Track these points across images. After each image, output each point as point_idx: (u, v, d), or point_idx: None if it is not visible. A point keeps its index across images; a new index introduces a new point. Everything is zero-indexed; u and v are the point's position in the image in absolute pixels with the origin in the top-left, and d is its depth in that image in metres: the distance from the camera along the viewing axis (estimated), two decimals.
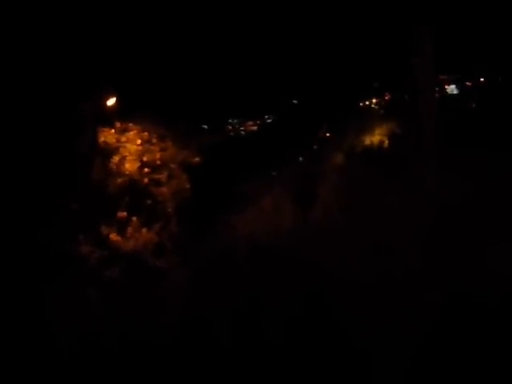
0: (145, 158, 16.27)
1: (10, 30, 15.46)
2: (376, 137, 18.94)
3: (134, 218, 15.61)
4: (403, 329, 12.90)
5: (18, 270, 13.91)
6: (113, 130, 16.38)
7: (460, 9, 18.65)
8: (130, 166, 16.03)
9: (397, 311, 13.31)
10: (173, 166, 16.47)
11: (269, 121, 20.39)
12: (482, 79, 20.88)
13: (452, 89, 20.80)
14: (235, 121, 19.99)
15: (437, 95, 19.45)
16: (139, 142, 16.42)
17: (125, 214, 15.60)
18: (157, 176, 16.25)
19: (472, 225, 14.56)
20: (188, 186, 16.40)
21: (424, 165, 17.12)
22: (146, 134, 16.54)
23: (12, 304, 13.55)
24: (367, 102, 20.82)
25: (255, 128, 20.10)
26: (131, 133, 16.47)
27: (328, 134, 19.70)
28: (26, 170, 14.94)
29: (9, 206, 14.50)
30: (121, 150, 16.21)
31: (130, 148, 16.26)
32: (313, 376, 12.76)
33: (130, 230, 15.48)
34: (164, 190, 16.17)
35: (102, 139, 16.16)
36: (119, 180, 15.88)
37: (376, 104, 20.81)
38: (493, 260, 13.74)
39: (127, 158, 16.14)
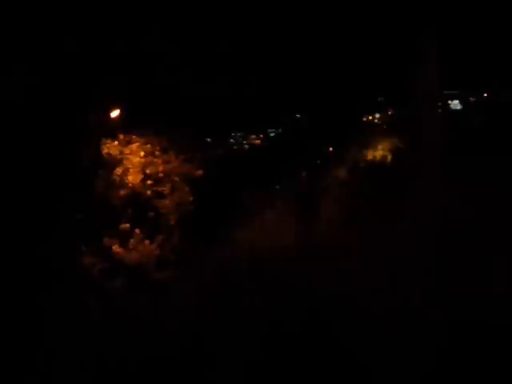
0: (148, 171, 16.23)
1: (14, 42, 15.53)
2: (379, 152, 18.98)
3: (137, 230, 15.56)
4: (408, 348, 12.77)
5: (20, 281, 13.87)
6: (116, 142, 16.35)
7: (464, 25, 18.70)
8: (133, 178, 15.98)
9: (401, 329, 13.18)
10: (176, 178, 16.44)
11: (272, 135, 20.45)
12: (485, 94, 20.94)
13: (455, 104, 20.85)
14: (238, 134, 20.05)
15: (440, 110, 19.48)
16: (142, 154, 16.37)
17: (127, 225, 15.56)
18: (160, 188, 16.22)
19: (475, 239, 14.50)
20: (191, 198, 16.40)
21: (427, 179, 17.12)
22: (149, 146, 16.52)
23: (12, 315, 13.49)
24: (371, 117, 20.87)
25: (258, 142, 20.16)
26: (134, 145, 16.43)
27: (331, 149, 19.74)
28: (30, 181, 14.94)
29: (12, 215, 14.49)
30: (124, 162, 16.16)
31: (133, 160, 16.21)
32: None
33: (132, 241, 15.43)
34: (167, 202, 16.14)
35: (105, 151, 16.14)
36: (122, 192, 15.84)
37: (379, 119, 20.86)
38: (499, 276, 13.65)
39: (130, 170, 16.08)
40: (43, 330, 13.30)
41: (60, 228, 14.85)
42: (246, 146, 19.97)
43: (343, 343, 13.00)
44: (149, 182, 16.16)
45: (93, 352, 12.96)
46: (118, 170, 16.04)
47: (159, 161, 16.49)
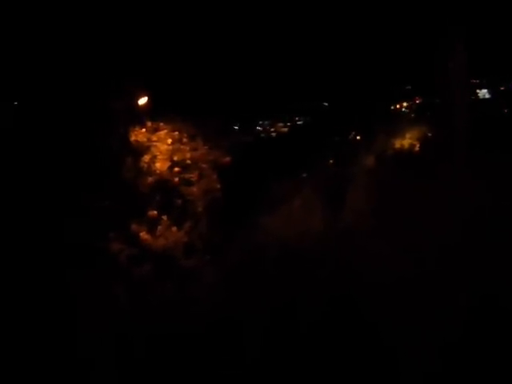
0: (175, 158, 16.28)
1: (47, 32, 15.69)
2: (407, 140, 18.83)
3: (164, 217, 15.66)
4: (433, 330, 12.81)
5: (51, 265, 14.01)
6: (144, 129, 16.41)
7: (493, 13, 18.52)
8: (160, 165, 16.06)
9: (426, 313, 13.21)
10: (203, 165, 16.45)
11: (299, 123, 20.31)
12: None
13: (484, 93, 20.55)
14: (266, 122, 19.91)
15: (468, 99, 19.26)
16: (170, 141, 16.43)
17: (155, 212, 15.64)
18: (187, 175, 16.25)
19: (501, 228, 14.47)
20: (218, 185, 16.39)
21: (455, 169, 16.97)
22: (176, 133, 16.56)
23: (43, 299, 13.64)
24: (398, 106, 20.69)
25: (286, 129, 20.03)
26: (162, 132, 16.49)
27: (358, 137, 19.62)
28: (61, 169, 15.07)
29: (43, 202, 14.63)
30: (152, 149, 16.24)
31: (161, 147, 16.28)
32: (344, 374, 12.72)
33: (160, 228, 15.52)
34: (194, 189, 16.17)
35: (133, 138, 16.22)
36: (150, 179, 15.92)
37: (407, 107, 20.68)
38: None
39: (158, 157, 16.16)
40: (74, 315, 13.45)
41: (89, 214, 14.95)
42: (274, 134, 19.86)
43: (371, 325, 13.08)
44: (176, 169, 16.21)
45: (121, 333, 13.10)
46: (146, 157, 16.12)
47: (187, 148, 16.51)
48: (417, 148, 18.60)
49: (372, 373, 12.83)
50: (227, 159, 16.67)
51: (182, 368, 13.68)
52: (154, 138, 16.38)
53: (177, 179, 16.11)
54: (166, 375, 13.63)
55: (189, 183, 16.21)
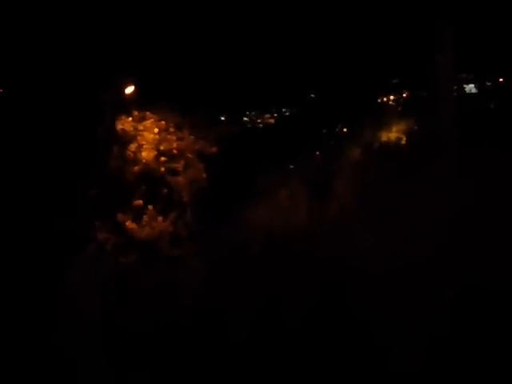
0: (161, 147, 16.23)
1: (33, 22, 15.65)
2: (393, 133, 18.89)
3: (150, 207, 15.62)
4: (419, 321, 12.85)
5: (37, 254, 13.98)
6: (130, 118, 16.34)
7: (481, 9, 18.57)
8: (146, 155, 16.02)
9: (412, 305, 13.26)
10: (189, 155, 16.41)
11: (286, 114, 20.30)
12: (500, 79, 20.74)
13: (470, 88, 20.61)
14: (253, 113, 19.88)
15: (455, 94, 19.33)
16: (156, 130, 16.37)
17: (141, 202, 15.61)
18: (173, 165, 16.22)
19: (488, 222, 14.51)
20: (204, 175, 16.36)
21: (442, 162, 17.03)
22: (163, 122, 16.50)
23: (29, 288, 13.63)
24: (385, 99, 20.71)
25: (272, 121, 20.00)
26: (148, 121, 16.43)
27: (345, 129, 19.64)
28: (47, 157, 15.05)
29: (29, 191, 14.61)
30: (138, 138, 16.20)
31: (147, 136, 16.23)
32: (329, 364, 12.74)
33: (145, 218, 15.50)
34: (180, 179, 16.13)
35: (119, 127, 16.15)
36: (136, 168, 15.89)
37: (394, 101, 20.72)
38: (507, 257, 13.71)
39: (144, 146, 16.12)
40: (61, 301, 13.43)
41: (75, 203, 14.94)
42: (260, 125, 19.83)
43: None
44: (162, 158, 16.16)
45: (108, 320, 13.09)
46: (132, 146, 16.08)
47: (173, 137, 16.46)
48: (403, 141, 18.69)
49: (359, 364, 12.85)
50: (213, 149, 16.63)
51: (168, 358, 13.68)
52: (141, 127, 16.33)
53: (163, 169, 16.07)
54: (152, 363, 13.64)
55: (175, 173, 16.17)
